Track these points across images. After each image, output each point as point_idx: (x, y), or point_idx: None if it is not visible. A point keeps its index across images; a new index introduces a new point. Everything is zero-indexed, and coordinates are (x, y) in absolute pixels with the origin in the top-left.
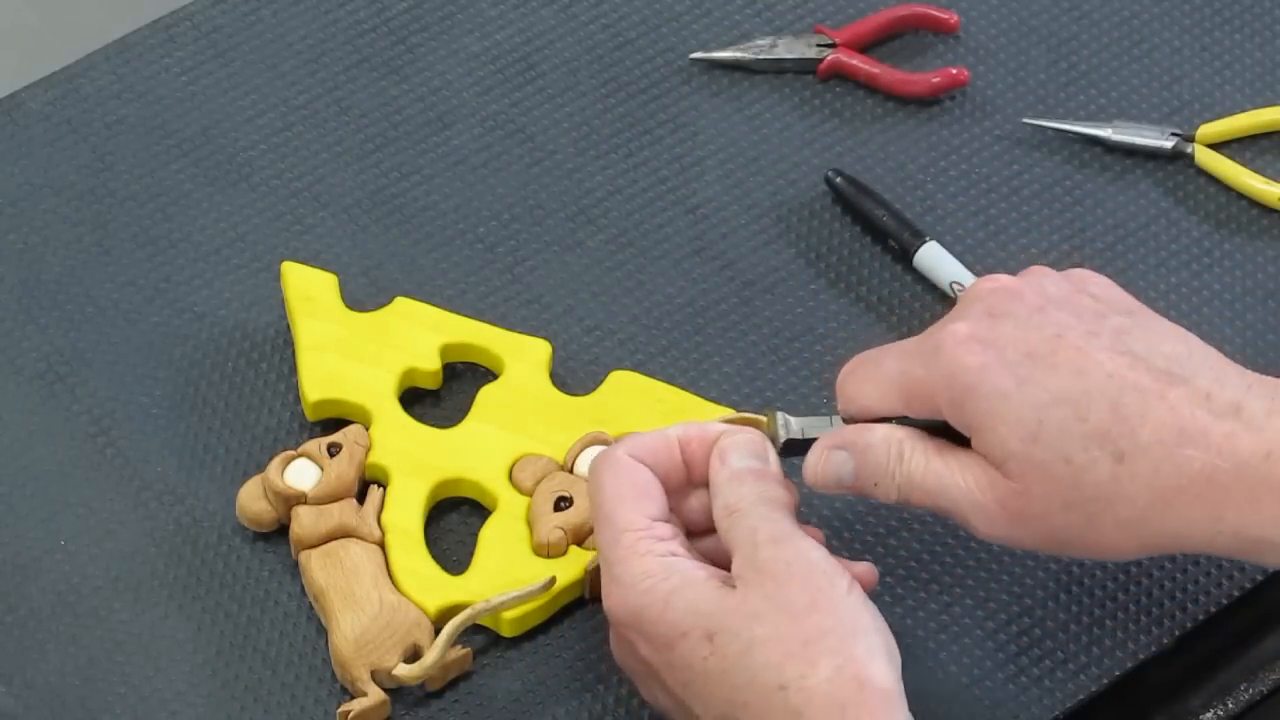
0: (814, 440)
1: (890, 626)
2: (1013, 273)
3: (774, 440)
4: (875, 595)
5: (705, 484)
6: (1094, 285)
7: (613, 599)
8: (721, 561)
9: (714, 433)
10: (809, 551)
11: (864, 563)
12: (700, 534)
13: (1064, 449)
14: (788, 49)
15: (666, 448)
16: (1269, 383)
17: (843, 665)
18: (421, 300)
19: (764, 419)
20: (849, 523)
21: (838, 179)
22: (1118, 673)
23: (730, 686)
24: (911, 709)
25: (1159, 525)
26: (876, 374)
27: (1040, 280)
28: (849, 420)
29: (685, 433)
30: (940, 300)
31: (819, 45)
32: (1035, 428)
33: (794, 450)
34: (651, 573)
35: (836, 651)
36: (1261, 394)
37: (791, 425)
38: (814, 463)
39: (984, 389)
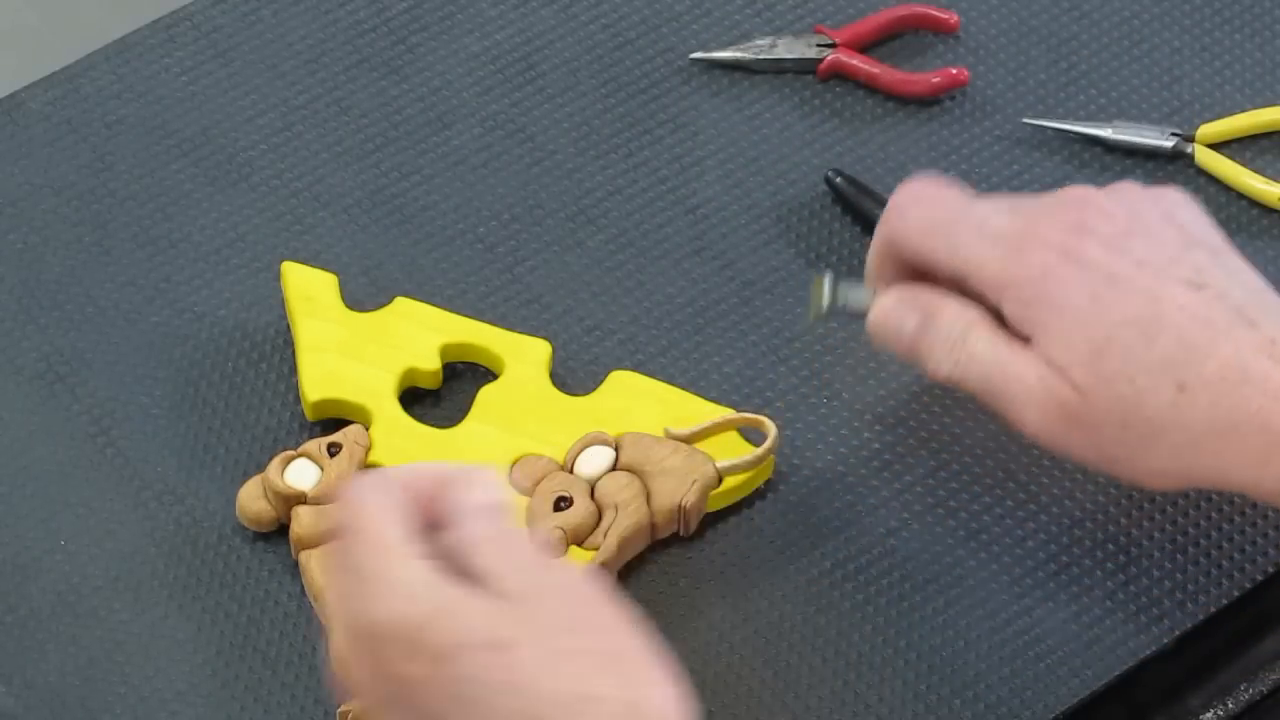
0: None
1: (890, 626)
2: None
3: (819, 307)
4: (875, 597)
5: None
6: (1182, 213)
7: (377, 608)
8: None
9: (444, 473)
10: (572, 570)
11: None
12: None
13: (1129, 369)
14: (788, 49)
15: (405, 483)
16: None
17: (625, 685)
18: (421, 300)
19: (764, 419)
20: (849, 522)
21: (838, 179)
22: (1118, 673)
23: (523, 699)
24: (911, 709)
25: (1209, 460)
26: (950, 233)
27: (1132, 201)
28: (887, 248)
29: (417, 471)
30: None
31: (819, 45)
32: (1103, 344)
33: (834, 318)
34: (429, 581)
35: (626, 663)
36: None
37: (841, 292)
38: (883, 309)
39: (1058, 298)
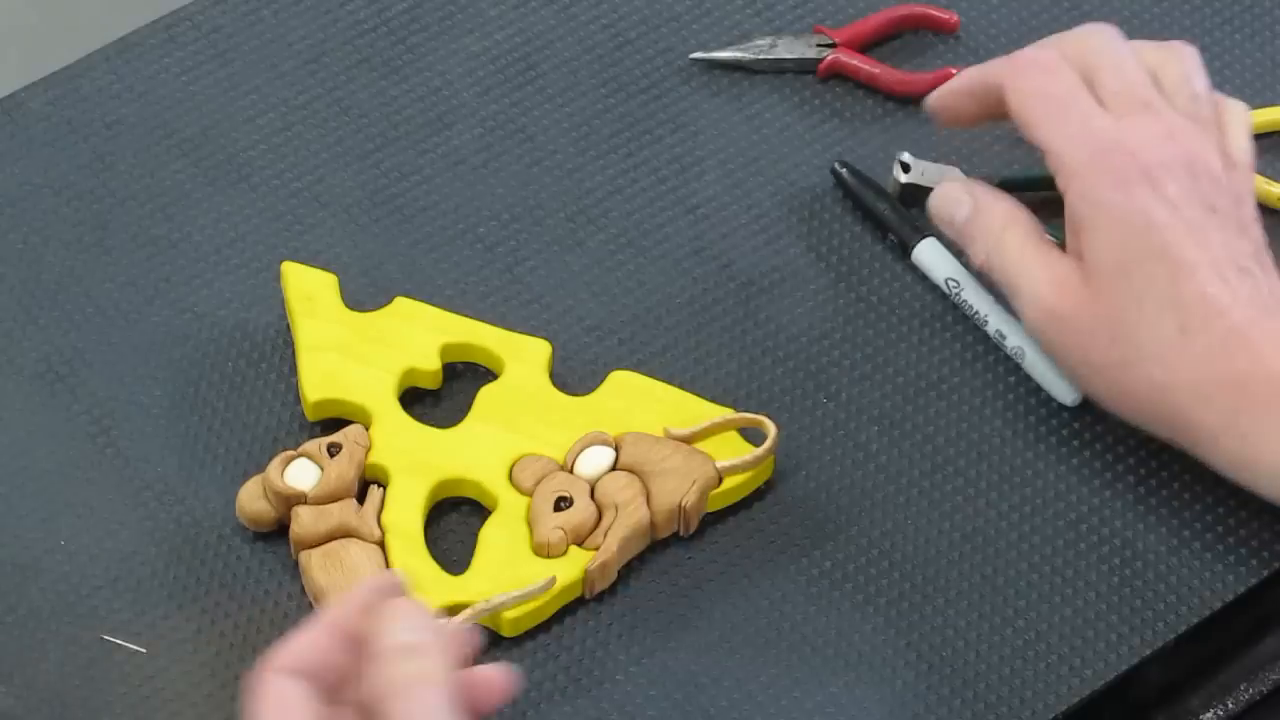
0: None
1: (891, 627)
2: None
3: (895, 181)
4: (875, 597)
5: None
6: (1251, 202)
7: None
8: None
9: (359, 602)
10: None
11: (490, 669)
12: None
13: (1144, 295)
14: (788, 49)
15: (324, 639)
16: None
17: None
18: (421, 300)
19: (764, 419)
20: (849, 522)
21: (843, 170)
22: (1118, 673)
23: None
24: (911, 709)
25: (1181, 401)
26: (1058, 112)
27: (1205, 144)
28: (981, 90)
29: (339, 611)
30: (939, 299)
31: (819, 45)
32: (1133, 264)
33: (911, 200)
34: None
35: None
36: None
37: (915, 169)
38: (942, 193)
39: (1119, 207)
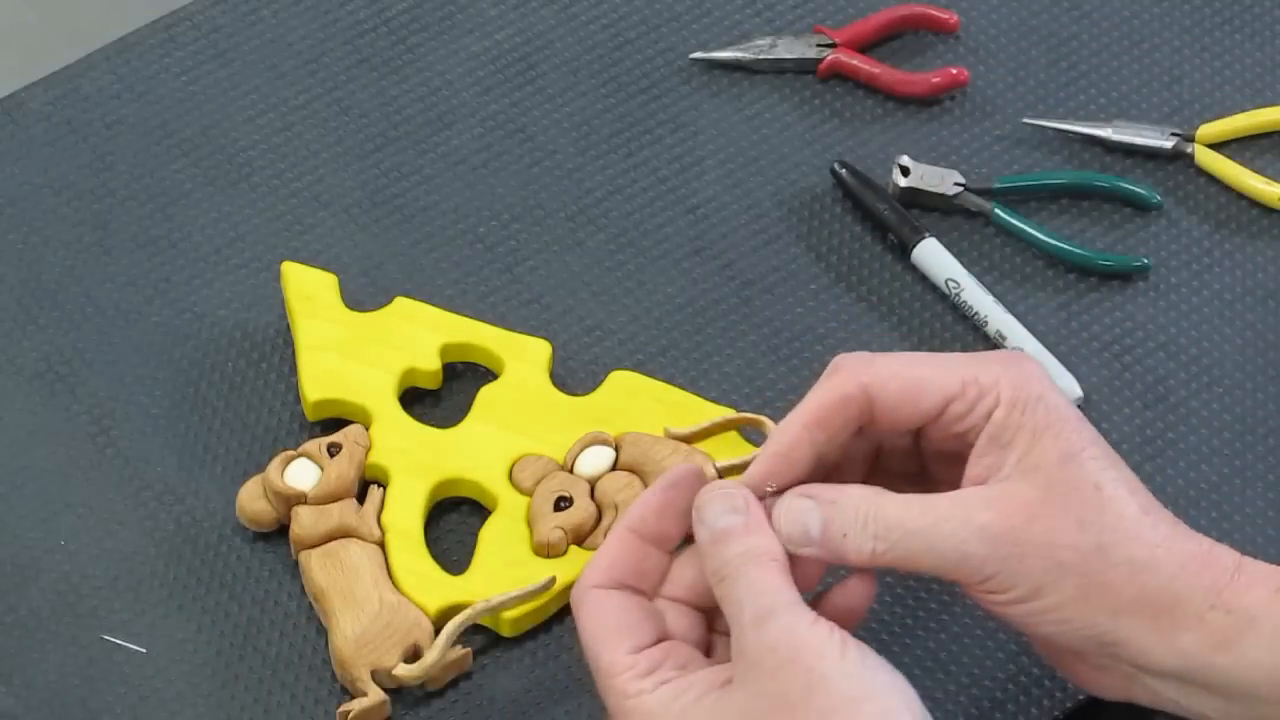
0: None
1: (890, 627)
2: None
3: (893, 187)
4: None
5: (687, 556)
6: None
7: None
8: None
9: (654, 501)
10: (794, 626)
11: (850, 581)
12: (717, 610)
13: (1099, 476)
14: (788, 49)
15: (626, 548)
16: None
17: None
18: (421, 300)
19: (764, 419)
20: None
21: (843, 170)
22: None
23: None
24: None
25: (1166, 580)
26: (932, 360)
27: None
28: (833, 415)
29: (634, 517)
30: (939, 300)
31: (819, 45)
32: (1078, 450)
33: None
34: (650, 712)
35: None
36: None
37: (914, 172)
38: (780, 511)
39: (1051, 401)
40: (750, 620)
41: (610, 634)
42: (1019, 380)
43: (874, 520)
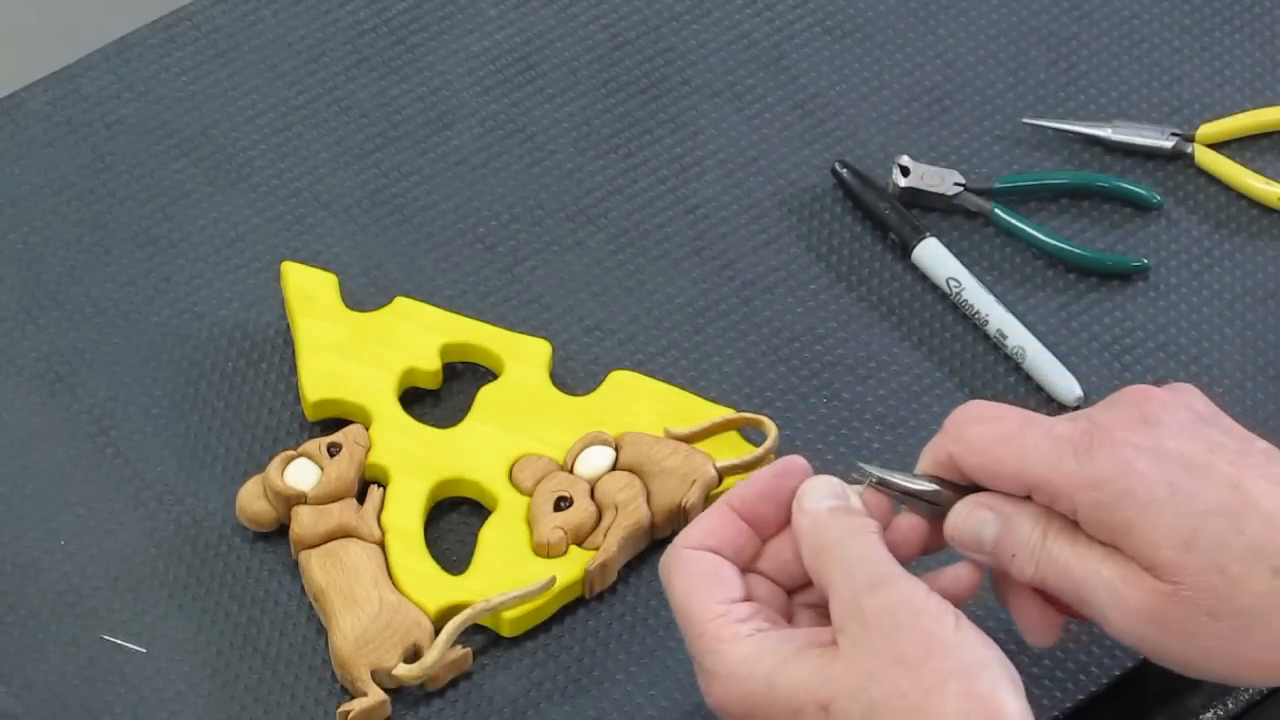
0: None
1: None
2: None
3: (893, 187)
4: None
5: (777, 536)
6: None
7: (714, 694)
8: (824, 608)
9: (760, 484)
10: (911, 594)
11: (960, 566)
12: (799, 588)
13: (1219, 559)
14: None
15: (724, 521)
16: None
17: (970, 707)
18: (421, 300)
19: (764, 419)
20: None
21: (843, 170)
22: (1118, 673)
23: None
24: None
25: None
26: (1016, 442)
27: (1185, 396)
28: (944, 472)
29: (736, 496)
30: (939, 299)
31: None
32: (1190, 535)
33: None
34: (745, 657)
35: (961, 693)
36: None
37: (914, 172)
38: (959, 517)
39: (1139, 494)
40: (864, 585)
41: (703, 586)
42: (1098, 479)
43: (1040, 548)
